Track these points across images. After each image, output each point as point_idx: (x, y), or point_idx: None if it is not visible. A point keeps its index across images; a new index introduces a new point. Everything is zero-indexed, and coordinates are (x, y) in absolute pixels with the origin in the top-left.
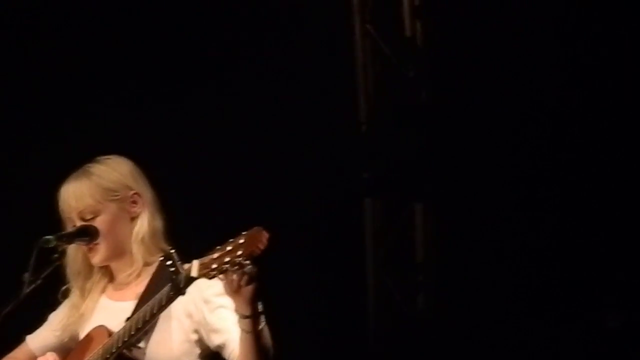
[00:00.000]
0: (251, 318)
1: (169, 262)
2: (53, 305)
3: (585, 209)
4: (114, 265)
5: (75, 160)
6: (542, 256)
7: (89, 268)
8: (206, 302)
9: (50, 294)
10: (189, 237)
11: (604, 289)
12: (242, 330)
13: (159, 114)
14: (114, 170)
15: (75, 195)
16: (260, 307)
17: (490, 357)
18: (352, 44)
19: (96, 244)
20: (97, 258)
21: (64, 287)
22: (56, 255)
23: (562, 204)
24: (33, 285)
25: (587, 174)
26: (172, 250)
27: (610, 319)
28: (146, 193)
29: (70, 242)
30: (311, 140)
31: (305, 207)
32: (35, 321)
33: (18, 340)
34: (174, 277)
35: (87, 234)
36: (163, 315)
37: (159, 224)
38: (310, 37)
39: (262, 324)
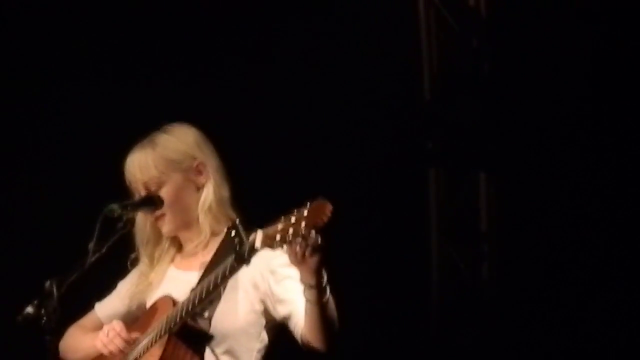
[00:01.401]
0: (316, 288)
1: (233, 232)
2: (122, 274)
3: None
4: (182, 235)
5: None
6: (607, 228)
7: (158, 236)
8: (273, 272)
9: (118, 262)
10: (255, 206)
11: None
12: (308, 300)
13: (227, 81)
14: (179, 140)
15: (140, 167)
16: (325, 277)
17: (553, 328)
18: (416, 13)
19: (163, 215)
20: (165, 228)
21: (132, 256)
22: (121, 224)
23: (630, 175)
24: (98, 254)
25: None
26: (237, 220)
27: None
28: (211, 162)
29: (134, 211)
30: (375, 110)
31: (369, 177)
32: (104, 289)
33: (85, 308)
34: (237, 247)
35: (152, 203)
36: (230, 286)
37: (225, 192)
38: (375, 7)
39: (328, 295)
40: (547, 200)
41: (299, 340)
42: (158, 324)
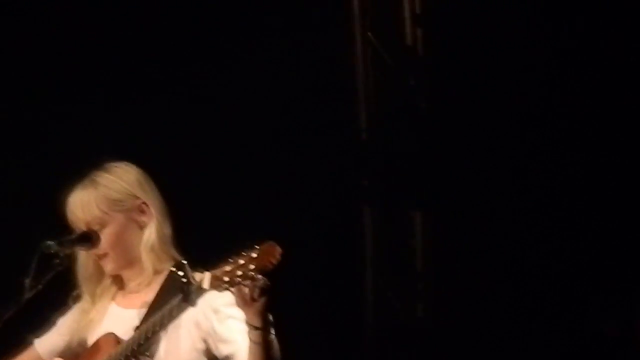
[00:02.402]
0: (261, 330)
1: (180, 273)
2: (61, 310)
3: (586, 217)
4: (124, 273)
5: (80, 162)
6: (541, 264)
7: (100, 274)
8: (215, 311)
9: (55, 299)
10: (195, 245)
11: (603, 295)
12: (252, 341)
13: (162, 119)
14: (121, 180)
15: (82, 206)
16: (270, 318)
17: None
18: (353, 51)
19: (105, 254)
20: (108, 267)
21: (74, 292)
22: (58, 261)
23: (562, 212)
24: (34, 291)
25: (588, 181)
26: (184, 261)
27: (607, 324)
28: (154, 201)
29: (71, 248)
30: (311, 147)
31: (304, 215)
32: (40, 326)
33: (20, 345)
34: (185, 287)
35: (88, 240)
36: (172, 324)
37: (167, 231)
38: (311, 44)
39: (272, 336)
40: (482, 240)
41: None
42: None
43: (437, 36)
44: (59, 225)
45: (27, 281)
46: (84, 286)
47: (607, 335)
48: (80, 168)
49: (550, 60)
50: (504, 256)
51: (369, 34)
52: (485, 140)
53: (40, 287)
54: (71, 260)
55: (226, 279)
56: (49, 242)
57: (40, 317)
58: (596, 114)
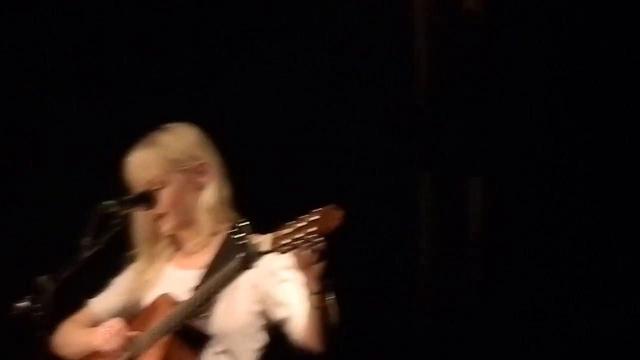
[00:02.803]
0: (320, 294)
1: (240, 235)
2: (116, 270)
3: None
4: (181, 234)
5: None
6: (599, 233)
7: (156, 234)
8: (272, 274)
9: (112, 259)
10: (253, 209)
11: None
12: (311, 306)
13: (226, 81)
14: (181, 140)
15: (142, 166)
16: (329, 284)
17: (543, 332)
18: (411, 15)
19: (163, 213)
20: (165, 227)
21: (129, 252)
22: (116, 221)
23: (625, 181)
24: (92, 250)
25: None
26: (244, 222)
27: None
28: (214, 162)
29: (129, 208)
30: (367, 114)
31: (360, 181)
32: (96, 286)
33: (79, 304)
34: (244, 249)
35: (147, 200)
36: (229, 286)
37: (226, 193)
38: (368, 6)
39: (330, 300)
40: (540, 205)
41: (296, 343)
42: (159, 323)
43: (494, 2)
44: (118, 185)
45: (86, 241)
46: (141, 247)
47: None
48: (141, 129)
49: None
50: (560, 223)
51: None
52: (544, 105)
53: (99, 246)
54: (127, 221)
55: (287, 241)
56: (108, 202)
57: (96, 277)
58: None
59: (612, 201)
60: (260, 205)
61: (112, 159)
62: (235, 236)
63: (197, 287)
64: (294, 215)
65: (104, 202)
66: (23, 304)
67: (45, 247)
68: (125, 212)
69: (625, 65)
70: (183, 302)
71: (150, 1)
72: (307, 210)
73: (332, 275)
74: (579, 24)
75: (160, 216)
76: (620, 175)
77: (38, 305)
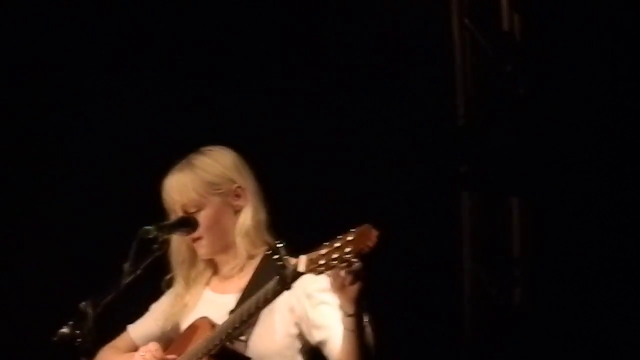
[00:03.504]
0: (355, 316)
1: (276, 256)
2: (154, 296)
3: None
4: (218, 258)
5: (180, 150)
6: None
7: (194, 258)
8: (309, 297)
9: (151, 285)
10: (290, 231)
11: None
12: (345, 328)
13: (262, 107)
14: (218, 163)
15: (179, 189)
16: (364, 306)
17: (586, 354)
18: (450, 37)
19: (200, 237)
20: (202, 250)
21: (167, 277)
22: (156, 246)
23: None
24: (133, 275)
25: None
26: (280, 244)
27: None
28: (250, 185)
29: (170, 233)
30: (409, 135)
31: (402, 202)
32: (137, 312)
33: (119, 330)
34: (280, 271)
35: (187, 224)
36: (266, 309)
37: (262, 216)
38: (409, 31)
39: (366, 323)
40: (580, 226)
41: None
42: (197, 346)
43: (534, 21)
44: (157, 211)
45: (126, 266)
46: (178, 270)
47: None
48: (178, 153)
49: None
50: (601, 243)
51: (466, 19)
52: (582, 127)
53: (139, 271)
54: (167, 246)
55: (322, 262)
56: (148, 227)
57: (136, 303)
58: None
59: None
60: (299, 227)
61: (152, 182)
62: (272, 257)
63: (233, 310)
64: (333, 236)
65: (144, 227)
66: (65, 329)
67: (87, 273)
68: (165, 237)
69: None
70: (221, 325)
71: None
72: (346, 230)
73: (368, 298)
74: (616, 39)
75: (196, 240)
76: None
77: (79, 331)
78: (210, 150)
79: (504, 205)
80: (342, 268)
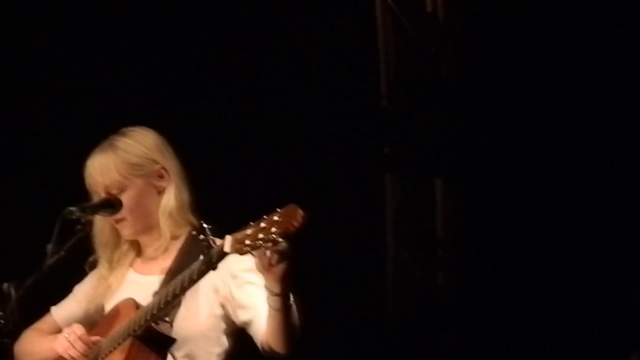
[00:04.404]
0: (281, 296)
1: (201, 236)
2: (78, 277)
3: (610, 185)
4: (142, 239)
5: (103, 131)
6: (564, 232)
7: (117, 239)
8: (234, 277)
9: (75, 266)
10: (216, 211)
11: (627, 266)
12: (271, 307)
13: (186, 87)
14: (140, 144)
15: (102, 170)
16: (290, 285)
17: (509, 334)
18: (374, 18)
19: (123, 218)
20: (126, 231)
21: (90, 259)
22: (80, 227)
23: (587, 181)
24: (56, 257)
25: (614, 151)
26: (205, 224)
27: (633, 297)
28: (173, 166)
29: (93, 214)
30: (333, 116)
31: (327, 183)
32: (61, 293)
33: (42, 312)
34: (206, 251)
35: (111, 205)
36: (190, 290)
37: (186, 196)
38: (332, 12)
39: (291, 302)
40: (503, 207)
41: (260, 346)
42: (121, 327)
43: (457, 3)
44: (80, 191)
45: (50, 247)
46: (101, 252)
47: (631, 305)
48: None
49: (577, 30)
50: (526, 224)
51: (389, 1)
52: (506, 107)
53: (62, 253)
54: (91, 227)
55: (248, 242)
56: (71, 208)
57: (59, 284)
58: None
59: (576, 203)
60: (224, 207)
61: (73, 164)
62: (197, 238)
63: (158, 292)
64: (259, 216)
65: (67, 208)
66: None
67: (9, 254)
68: (89, 218)
69: (594, 68)
70: (145, 306)
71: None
72: (271, 210)
73: (294, 277)
74: (540, 20)
75: (120, 221)
76: (583, 177)
77: (2, 312)
78: (132, 131)
79: (428, 187)
80: (268, 248)
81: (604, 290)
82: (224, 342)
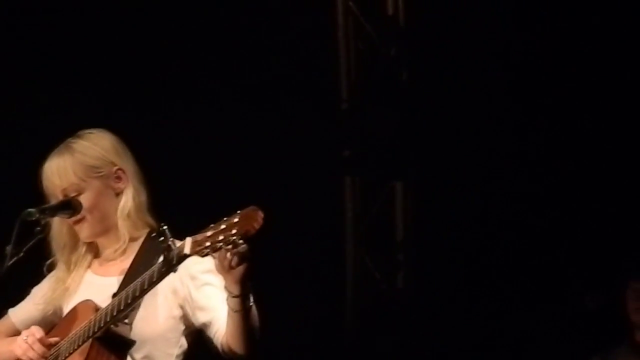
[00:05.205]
0: (240, 297)
1: (161, 238)
2: (36, 279)
3: (565, 189)
4: (100, 241)
5: (60, 134)
6: (522, 235)
7: (75, 241)
8: (192, 278)
9: (33, 268)
10: (174, 213)
11: (583, 271)
12: (230, 309)
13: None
14: (97, 146)
15: (59, 173)
16: (249, 287)
17: (468, 336)
18: (334, 21)
19: (82, 219)
20: (84, 233)
21: (48, 261)
22: (39, 229)
23: (543, 184)
24: (15, 259)
25: (575, 153)
26: (164, 226)
27: (588, 300)
28: (130, 168)
29: (52, 216)
30: (293, 118)
31: (286, 185)
32: (18, 295)
33: (0, 314)
34: (166, 253)
35: (70, 207)
36: (149, 292)
37: (143, 198)
38: (293, 13)
39: (251, 304)
40: (463, 209)
41: (219, 347)
42: (80, 329)
43: (418, 6)
44: (38, 194)
45: (8, 249)
46: (59, 254)
47: (588, 308)
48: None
49: (534, 32)
50: (484, 226)
51: (351, 3)
52: (465, 110)
53: (21, 255)
54: (48, 229)
55: (208, 243)
56: (31, 210)
57: (17, 287)
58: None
59: (537, 204)
60: (183, 209)
61: (31, 166)
62: (156, 239)
63: (117, 293)
64: (218, 218)
65: (26, 210)
66: None
67: None
68: (48, 219)
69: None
70: (104, 307)
71: None
72: (230, 213)
73: (253, 279)
74: (500, 23)
75: (78, 222)
76: (546, 178)
77: None
78: (89, 133)
79: (387, 189)
80: (227, 250)
81: (564, 292)
82: (183, 344)
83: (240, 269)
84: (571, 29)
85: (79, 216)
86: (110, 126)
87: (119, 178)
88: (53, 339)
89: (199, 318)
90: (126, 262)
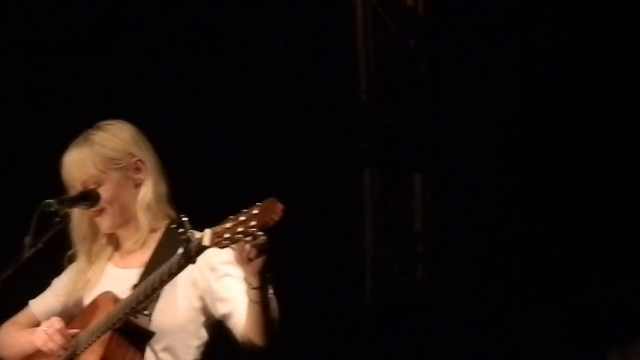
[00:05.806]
0: (260, 289)
1: (180, 230)
2: (56, 271)
3: (580, 188)
4: (120, 232)
5: (80, 125)
6: (542, 226)
7: (95, 232)
8: (212, 269)
9: (53, 259)
10: (195, 205)
11: (601, 265)
12: (250, 300)
13: (166, 80)
14: (116, 137)
15: (78, 165)
16: (269, 278)
17: (487, 328)
18: (353, 13)
19: (102, 210)
20: (104, 225)
21: (69, 252)
22: (58, 220)
23: (564, 176)
24: (34, 249)
25: (588, 151)
26: (184, 218)
27: (606, 294)
28: (149, 159)
29: (71, 207)
30: (312, 110)
31: (306, 177)
32: (38, 286)
33: (20, 305)
34: (185, 245)
35: (89, 198)
36: (169, 283)
37: (163, 189)
38: (312, 6)
39: (271, 295)
40: (482, 201)
41: (239, 338)
42: (99, 320)
43: None
44: (58, 185)
45: (27, 239)
46: (80, 246)
47: (605, 304)
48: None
49: (556, 24)
50: (503, 218)
51: None
52: (484, 102)
53: (40, 245)
54: (69, 220)
55: (227, 235)
56: (50, 201)
57: (38, 278)
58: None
59: (555, 198)
60: (203, 201)
61: (51, 158)
62: (176, 231)
63: (137, 285)
64: (238, 210)
65: (46, 201)
66: None
67: None
68: (67, 210)
69: (563, 68)
70: (124, 299)
71: None
72: (249, 205)
73: (272, 270)
74: (519, 16)
75: (99, 213)
76: (564, 173)
77: None
78: (108, 124)
79: (406, 181)
80: (247, 241)
81: (582, 285)
82: (203, 335)
83: (259, 260)
84: (602, 20)
85: (98, 207)
86: (130, 117)
87: (138, 169)
88: (73, 330)
89: (219, 309)
90: (146, 254)
